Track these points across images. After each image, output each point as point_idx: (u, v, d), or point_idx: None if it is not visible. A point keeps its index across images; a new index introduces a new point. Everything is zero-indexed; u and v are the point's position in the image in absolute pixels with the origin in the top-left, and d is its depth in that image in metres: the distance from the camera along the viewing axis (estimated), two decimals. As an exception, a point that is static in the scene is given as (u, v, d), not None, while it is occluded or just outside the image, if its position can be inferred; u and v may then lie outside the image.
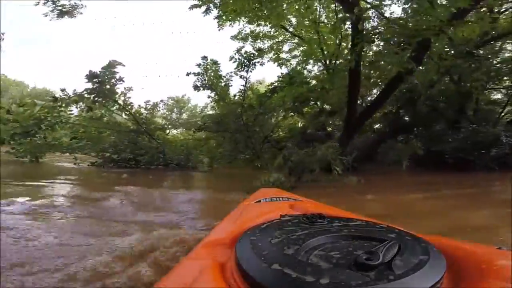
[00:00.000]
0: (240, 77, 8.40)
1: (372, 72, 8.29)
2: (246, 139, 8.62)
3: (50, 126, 8.15)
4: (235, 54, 8.41)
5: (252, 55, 8.30)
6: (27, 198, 3.81)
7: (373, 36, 5.90)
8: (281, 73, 9.11)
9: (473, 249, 0.59)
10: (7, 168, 7.53)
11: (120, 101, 8.63)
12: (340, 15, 10.88)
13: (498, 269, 0.50)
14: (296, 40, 13.32)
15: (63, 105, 8.12)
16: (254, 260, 0.52)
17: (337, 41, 11.66)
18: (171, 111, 23.68)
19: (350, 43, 7.33)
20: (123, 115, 9.14)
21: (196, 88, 8.56)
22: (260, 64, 8.76)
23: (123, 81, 8.33)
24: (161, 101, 14.04)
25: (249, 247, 0.58)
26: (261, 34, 13.65)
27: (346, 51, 11.90)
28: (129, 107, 8.92)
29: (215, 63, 8.64)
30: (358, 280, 0.44)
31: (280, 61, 12.05)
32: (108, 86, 8.06)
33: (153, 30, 62.40)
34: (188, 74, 8.56)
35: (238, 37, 13.13)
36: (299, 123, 12.81)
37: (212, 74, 8.71)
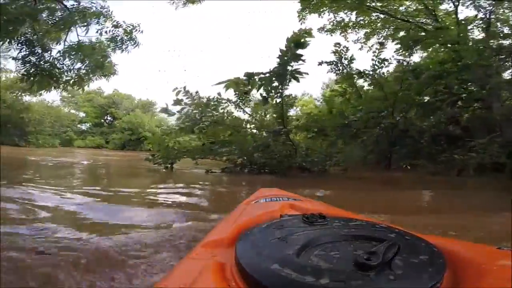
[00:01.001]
0: (398, 61, 6.33)
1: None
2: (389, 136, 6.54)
3: (205, 127, 6.43)
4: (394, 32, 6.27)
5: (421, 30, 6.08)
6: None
7: None
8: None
9: (473, 249, 0.53)
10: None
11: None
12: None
13: (498, 269, 0.44)
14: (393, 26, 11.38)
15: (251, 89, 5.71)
16: (254, 260, 0.46)
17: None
18: (256, 113, 22.54)
19: None
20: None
21: (360, 75, 6.61)
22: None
23: (304, 61, 5.20)
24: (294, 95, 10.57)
25: (249, 247, 0.51)
26: (351, 24, 12.08)
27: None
28: (286, 101, 6.37)
29: (381, 44, 6.64)
30: (358, 280, 0.39)
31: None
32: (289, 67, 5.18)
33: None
34: (320, 64, 6.77)
35: (327, 29, 11.70)
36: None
37: (346, 61, 6.75)
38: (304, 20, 12.33)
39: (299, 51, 4.99)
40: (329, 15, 11.96)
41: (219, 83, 4.81)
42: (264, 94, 5.39)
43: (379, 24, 12.30)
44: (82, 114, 35.44)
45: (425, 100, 7.87)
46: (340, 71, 7.17)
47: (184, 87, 6.00)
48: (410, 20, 11.46)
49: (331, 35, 12.09)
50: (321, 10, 12.02)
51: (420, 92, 6.46)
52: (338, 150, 7.28)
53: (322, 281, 0.38)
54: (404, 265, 0.42)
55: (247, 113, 6.90)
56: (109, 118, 35.79)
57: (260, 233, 0.58)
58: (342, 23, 11.93)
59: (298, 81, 5.50)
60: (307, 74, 5.26)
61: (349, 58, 7.02)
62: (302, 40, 4.94)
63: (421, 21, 11.60)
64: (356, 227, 0.59)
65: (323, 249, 0.49)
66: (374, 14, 11.72)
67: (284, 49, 4.88)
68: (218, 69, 55.84)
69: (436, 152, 7.39)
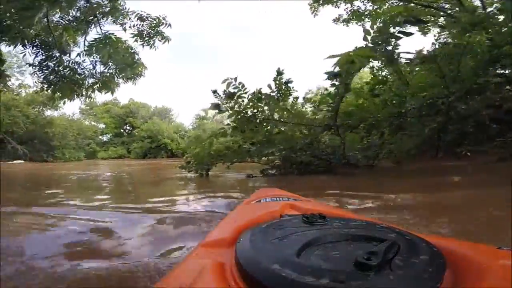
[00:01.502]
0: (455, 45, 5.31)
1: None
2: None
3: (256, 126, 5.21)
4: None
5: None
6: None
7: None
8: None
9: (473, 249, 0.49)
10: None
11: None
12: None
13: (498, 269, 0.42)
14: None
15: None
16: (254, 260, 0.44)
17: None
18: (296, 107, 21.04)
19: None
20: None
21: (422, 60, 5.57)
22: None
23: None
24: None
25: (249, 247, 0.49)
26: (366, 13, 11.28)
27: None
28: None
29: (442, 27, 5.63)
30: (358, 280, 0.37)
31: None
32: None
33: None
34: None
35: (343, 20, 10.95)
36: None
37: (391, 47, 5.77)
38: (316, 12, 11.56)
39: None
40: (345, 5, 11.12)
41: (331, 56, 3.74)
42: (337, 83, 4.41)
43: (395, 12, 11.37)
44: (102, 125, 35.21)
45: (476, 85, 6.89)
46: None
47: (235, 78, 5.03)
48: (434, 6, 10.42)
49: (347, 26, 11.33)
50: (336, 0, 11.20)
51: (478, 75, 5.49)
52: (380, 142, 6.33)
53: (322, 281, 0.37)
54: (404, 265, 0.41)
55: (287, 108, 5.96)
56: (128, 127, 35.47)
57: (260, 233, 0.55)
58: (358, 13, 11.12)
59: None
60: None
61: (393, 44, 6.11)
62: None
63: (441, 5, 10.59)
64: (356, 227, 0.56)
65: (323, 249, 0.47)
66: (390, 1, 10.83)
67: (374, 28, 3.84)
68: (218, 69, 55.02)
69: (488, 138, 6.41)
